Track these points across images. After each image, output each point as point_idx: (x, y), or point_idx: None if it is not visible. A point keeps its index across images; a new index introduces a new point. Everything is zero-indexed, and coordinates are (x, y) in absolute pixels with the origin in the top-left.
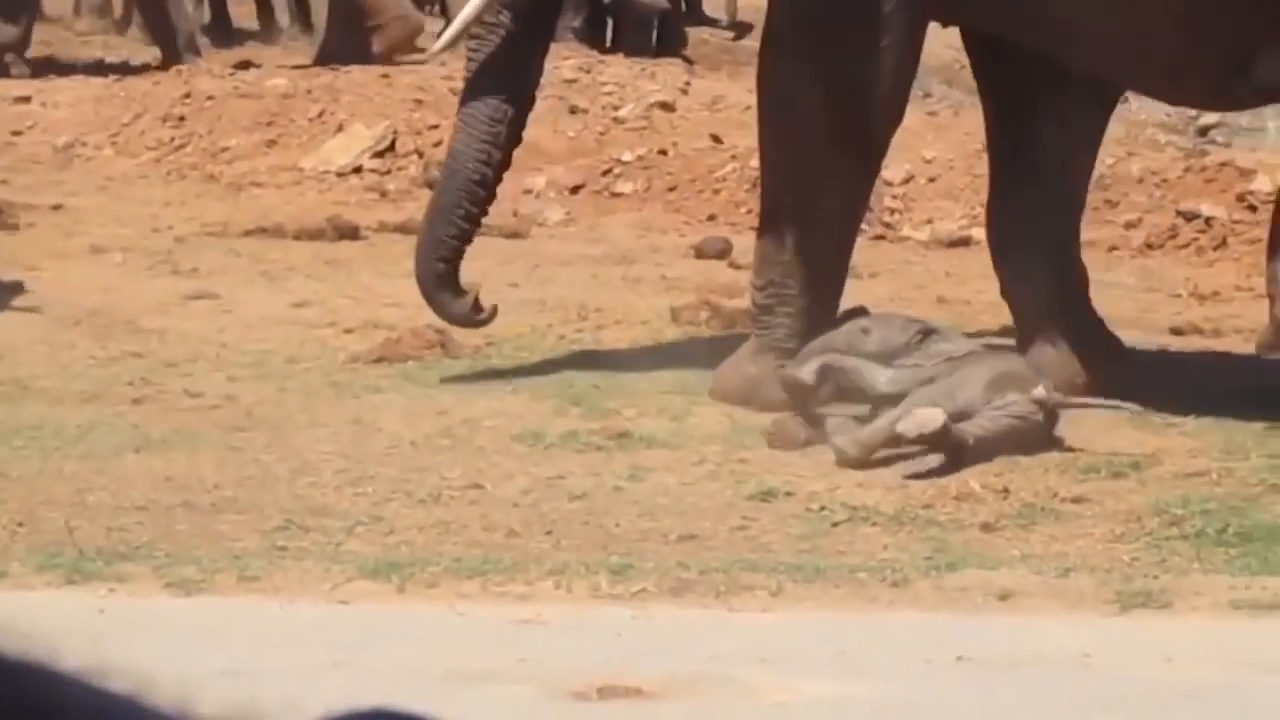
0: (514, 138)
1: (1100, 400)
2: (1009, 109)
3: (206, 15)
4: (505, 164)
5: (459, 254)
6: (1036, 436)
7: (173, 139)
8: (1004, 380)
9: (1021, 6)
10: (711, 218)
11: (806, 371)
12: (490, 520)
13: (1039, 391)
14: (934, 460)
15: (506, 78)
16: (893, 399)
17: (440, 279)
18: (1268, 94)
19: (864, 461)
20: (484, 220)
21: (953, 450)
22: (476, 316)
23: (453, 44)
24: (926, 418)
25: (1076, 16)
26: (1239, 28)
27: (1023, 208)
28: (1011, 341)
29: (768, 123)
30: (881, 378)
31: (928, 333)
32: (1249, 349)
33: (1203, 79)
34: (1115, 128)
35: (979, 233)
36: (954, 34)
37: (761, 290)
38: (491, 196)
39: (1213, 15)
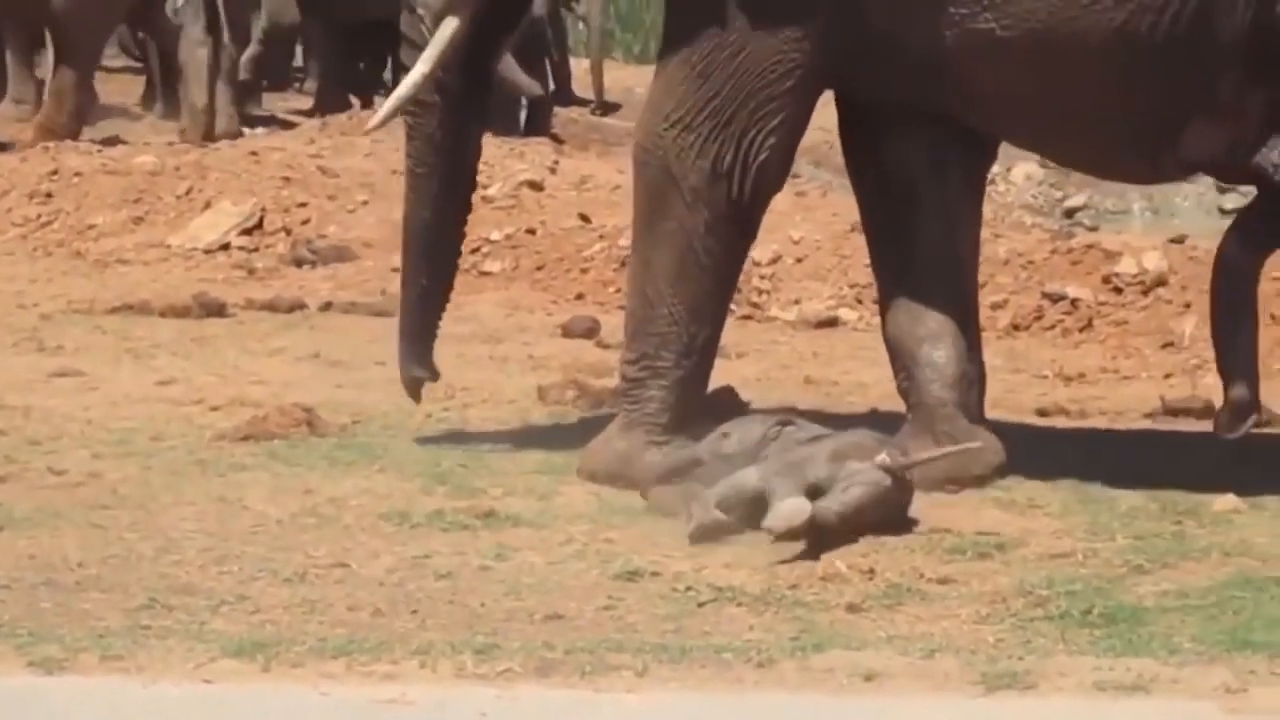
0: (461, 204)
1: (943, 450)
2: (887, 196)
3: None
4: (459, 231)
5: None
6: (891, 505)
7: (39, 215)
8: (846, 451)
9: (942, 79)
10: (579, 297)
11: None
12: (355, 599)
13: (882, 458)
14: (799, 546)
15: (444, 155)
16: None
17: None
18: (1194, 167)
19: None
20: (354, 299)
21: (819, 534)
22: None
23: (387, 122)
24: (793, 510)
25: (1001, 89)
26: (1168, 102)
27: (913, 298)
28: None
29: (648, 195)
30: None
31: (785, 424)
32: (1115, 429)
33: (1132, 153)
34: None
35: (846, 313)
36: (824, 115)
37: (633, 364)
38: (448, 259)
39: (1142, 89)
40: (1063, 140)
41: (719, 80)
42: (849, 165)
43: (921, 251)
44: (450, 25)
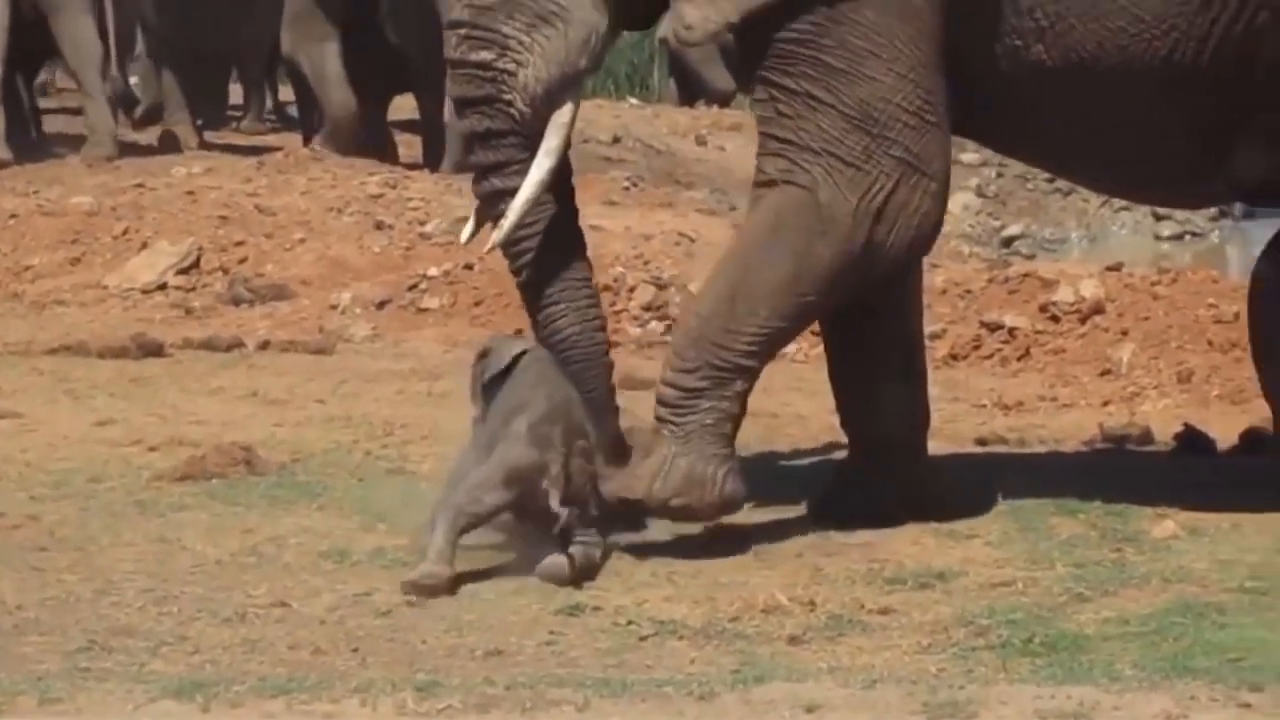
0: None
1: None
2: None
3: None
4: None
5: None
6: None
7: None
8: (514, 480)
9: (997, 111)
10: (518, 332)
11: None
12: (296, 638)
13: (554, 504)
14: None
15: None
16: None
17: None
18: (1244, 188)
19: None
20: (292, 338)
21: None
22: None
23: (512, 234)
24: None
25: (1054, 120)
26: (1215, 127)
27: (858, 332)
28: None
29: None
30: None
31: (482, 355)
32: (1054, 457)
33: (1181, 177)
34: None
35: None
36: None
37: (693, 373)
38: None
39: (1189, 113)
40: (1117, 170)
41: None
42: None
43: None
44: (568, 111)
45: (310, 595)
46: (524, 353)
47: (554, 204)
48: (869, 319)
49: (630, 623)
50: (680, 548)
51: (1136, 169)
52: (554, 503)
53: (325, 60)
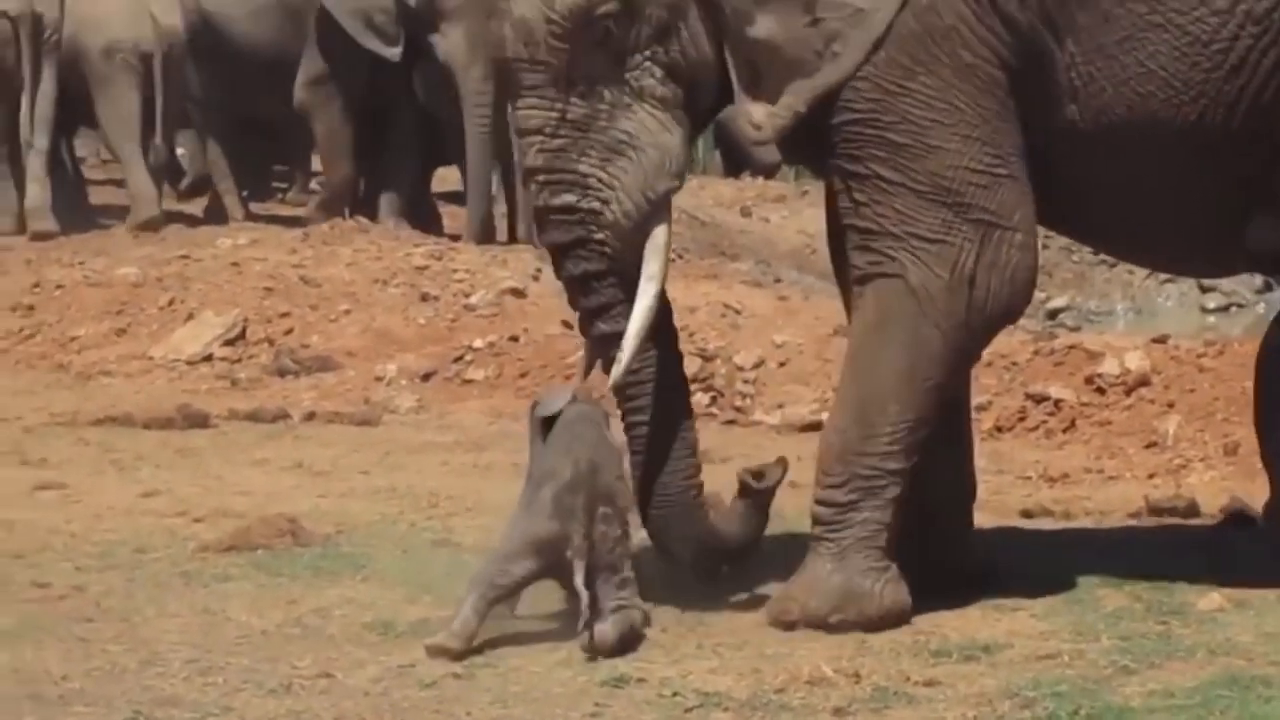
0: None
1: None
2: None
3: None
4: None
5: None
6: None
7: (22, 329)
8: (538, 551)
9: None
10: None
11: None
12: (340, 710)
13: (577, 579)
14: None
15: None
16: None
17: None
18: (1262, 259)
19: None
20: (338, 409)
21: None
22: None
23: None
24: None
25: (1081, 183)
26: (1238, 192)
27: None
28: None
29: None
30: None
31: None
32: (1099, 530)
33: (1198, 248)
34: None
35: None
36: (805, 219)
37: (841, 487)
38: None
39: (1213, 180)
40: (1138, 237)
41: None
42: (837, 268)
43: None
44: (662, 234)
45: (355, 667)
46: (571, 401)
47: (658, 349)
48: None
49: (675, 694)
50: (725, 619)
51: (1159, 234)
52: (578, 577)
53: (337, 128)
